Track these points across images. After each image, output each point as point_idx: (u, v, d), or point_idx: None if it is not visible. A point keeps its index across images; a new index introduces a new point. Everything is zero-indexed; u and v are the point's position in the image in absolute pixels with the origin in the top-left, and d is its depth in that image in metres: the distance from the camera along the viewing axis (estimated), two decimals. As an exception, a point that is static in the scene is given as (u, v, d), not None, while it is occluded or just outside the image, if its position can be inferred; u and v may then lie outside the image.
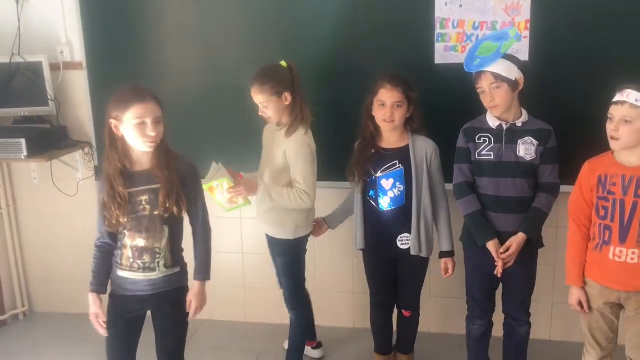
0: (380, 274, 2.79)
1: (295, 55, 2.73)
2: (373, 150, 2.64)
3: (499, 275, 2.52)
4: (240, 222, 3.36)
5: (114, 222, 2.15)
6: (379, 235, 2.68)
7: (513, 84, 2.43)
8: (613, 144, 2.22)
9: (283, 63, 2.61)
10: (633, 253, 2.21)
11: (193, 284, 2.33)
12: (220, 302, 3.42)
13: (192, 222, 2.32)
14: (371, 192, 2.65)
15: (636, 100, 2.15)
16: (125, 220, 2.15)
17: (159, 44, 3.12)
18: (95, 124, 3.25)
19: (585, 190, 2.33)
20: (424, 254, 2.65)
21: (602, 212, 2.27)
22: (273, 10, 2.95)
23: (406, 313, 2.81)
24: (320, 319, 3.13)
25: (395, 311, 2.87)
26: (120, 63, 3.13)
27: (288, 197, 2.61)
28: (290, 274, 2.80)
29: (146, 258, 2.20)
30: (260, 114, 2.62)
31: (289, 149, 2.59)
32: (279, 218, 2.71)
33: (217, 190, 2.60)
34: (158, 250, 2.20)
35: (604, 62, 2.70)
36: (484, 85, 2.44)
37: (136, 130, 2.09)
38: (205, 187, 2.48)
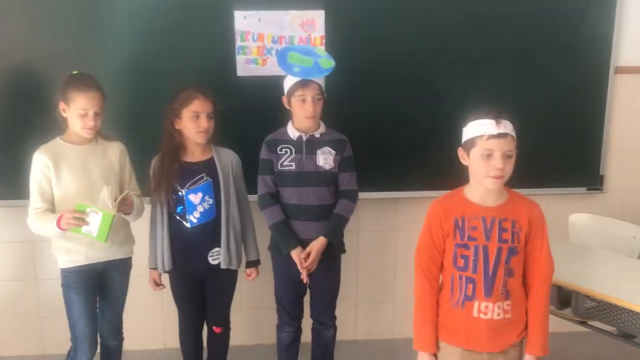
0: (190, 292, 2.68)
1: (97, 65, 2.61)
2: (177, 165, 2.55)
3: (305, 282, 2.59)
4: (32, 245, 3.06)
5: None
6: (189, 253, 2.58)
7: (324, 100, 2.54)
8: (495, 183, 1.88)
9: (76, 72, 2.45)
10: (499, 307, 1.92)
11: None
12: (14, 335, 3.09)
13: None
14: (179, 209, 2.55)
15: (512, 130, 1.87)
16: None
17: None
18: None
19: (436, 235, 1.97)
20: (233, 267, 2.62)
21: (460, 263, 1.93)
22: (75, 17, 2.79)
23: (217, 329, 2.75)
24: (129, 344, 2.94)
25: (205, 328, 2.79)
26: None
27: (142, 208, 2.53)
28: (124, 298, 2.64)
29: None
30: (87, 125, 2.36)
31: (121, 149, 2.52)
32: (125, 235, 2.55)
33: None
34: None
35: (395, 75, 2.91)
36: (309, 95, 2.49)
37: None
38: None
